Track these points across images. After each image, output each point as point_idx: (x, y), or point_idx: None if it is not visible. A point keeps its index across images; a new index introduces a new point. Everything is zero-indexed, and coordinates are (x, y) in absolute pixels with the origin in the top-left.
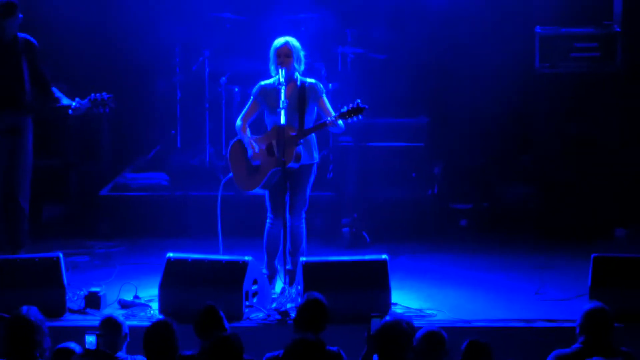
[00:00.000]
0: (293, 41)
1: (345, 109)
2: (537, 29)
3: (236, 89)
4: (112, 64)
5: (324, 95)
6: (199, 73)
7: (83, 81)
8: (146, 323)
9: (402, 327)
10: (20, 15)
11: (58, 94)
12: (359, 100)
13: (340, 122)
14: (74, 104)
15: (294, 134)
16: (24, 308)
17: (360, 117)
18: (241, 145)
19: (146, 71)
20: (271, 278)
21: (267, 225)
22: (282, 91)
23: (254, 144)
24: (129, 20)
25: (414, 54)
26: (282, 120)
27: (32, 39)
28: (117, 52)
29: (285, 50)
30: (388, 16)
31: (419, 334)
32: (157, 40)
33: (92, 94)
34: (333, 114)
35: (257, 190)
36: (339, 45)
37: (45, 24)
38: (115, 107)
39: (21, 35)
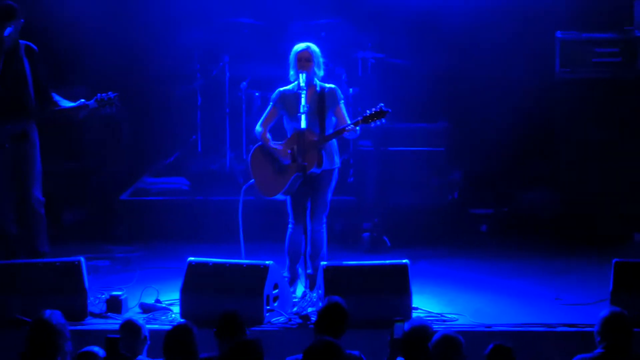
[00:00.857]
0: (313, 46)
1: (367, 112)
2: (558, 34)
3: (257, 94)
4: (132, 69)
5: (342, 102)
6: (219, 78)
7: (103, 86)
8: (167, 327)
9: (430, 331)
10: (22, 19)
11: (56, 97)
12: (382, 104)
13: (358, 127)
14: (75, 104)
15: (315, 139)
16: (47, 312)
17: (383, 120)
18: (262, 151)
19: (166, 76)
20: (292, 281)
21: (289, 230)
22: (303, 96)
23: (278, 147)
24: (149, 25)
25: (434, 59)
26: (303, 125)
27: (32, 44)
28: (137, 57)
29: (306, 54)
30: (408, 21)
31: (435, 338)
32: (177, 46)
33: (99, 94)
34: (348, 121)
35: (278, 196)
36: (359, 50)
37: (65, 28)
38: (120, 105)
39: (22, 41)
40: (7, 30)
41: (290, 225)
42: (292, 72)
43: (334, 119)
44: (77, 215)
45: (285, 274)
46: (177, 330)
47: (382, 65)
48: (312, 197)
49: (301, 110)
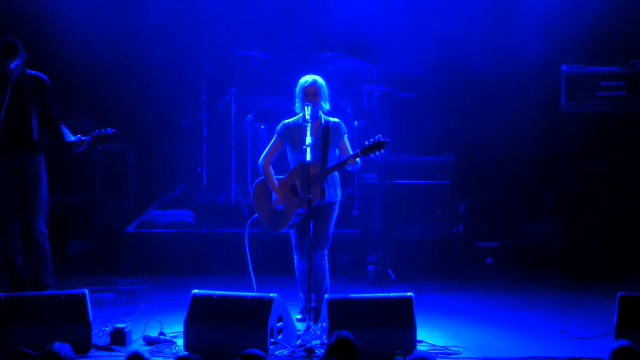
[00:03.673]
0: (320, 80)
1: (366, 143)
2: (563, 67)
3: (262, 126)
4: (139, 100)
5: (345, 136)
6: (225, 110)
7: (110, 118)
8: (171, 359)
9: None
10: (24, 53)
11: (64, 130)
12: (380, 135)
13: (358, 159)
14: (73, 139)
15: (318, 171)
16: (56, 344)
17: (382, 151)
18: (265, 186)
19: (173, 108)
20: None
21: (295, 262)
22: (308, 128)
23: (279, 185)
24: (157, 57)
25: (439, 92)
26: (308, 158)
27: (42, 75)
28: (144, 88)
29: (313, 89)
30: (414, 54)
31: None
32: (184, 78)
33: (96, 130)
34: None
35: (284, 230)
36: (364, 83)
37: (72, 60)
38: (119, 145)
39: (31, 72)
40: (14, 63)
41: (295, 257)
42: (298, 105)
43: (337, 152)
44: (83, 247)
45: (307, 305)
46: None
47: (388, 98)
48: (314, 230)
49: (306, 143)
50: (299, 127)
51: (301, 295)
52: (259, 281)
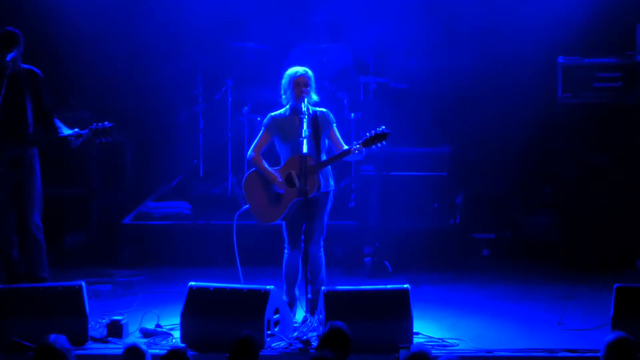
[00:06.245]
0: (310, 71)
1: (368, 135)
2: (560, 59)
3: (258, 118)
4: (135, 93)
5: (334, 125)
6: (222, 102)
7: (106, 110)
8: None
9: (429, 357)
10: (22, 48)
11: (58, 124)
12: (383, 127)
13: (364, 149)
14: (71, 132)
15: (313, 163)
16: (52, 336)
17: (384, 143)
18: (257, 177)
19: (169, 100)
20: (291, 305)
21: (285, 255)
22: (305, 121)
23: (276, 174)
24: (153, 49)
25: (436, 84)
26: (305, 150)
27: (36, 69)
28: (140, 81)
29: (305, 79)
30: (410, 46)
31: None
32: (180, 70)
33: (94, 124)
34: (343, 143)
35: (277, 222)
36: (361, 75)
37: (69, 52)
38: (115, 138)
39: (25, 66)
40: (10, 55)
41: (286, 251)
42: (284, 96)
43: (326, 142)
44: (80, 240)
45: (284, 297)
46: (172, 354)
47: (384, 89)
48: (309, 221)
49: (303, 135)
50: (287, 119)
51: (284, 298)
52: (255, 273)
